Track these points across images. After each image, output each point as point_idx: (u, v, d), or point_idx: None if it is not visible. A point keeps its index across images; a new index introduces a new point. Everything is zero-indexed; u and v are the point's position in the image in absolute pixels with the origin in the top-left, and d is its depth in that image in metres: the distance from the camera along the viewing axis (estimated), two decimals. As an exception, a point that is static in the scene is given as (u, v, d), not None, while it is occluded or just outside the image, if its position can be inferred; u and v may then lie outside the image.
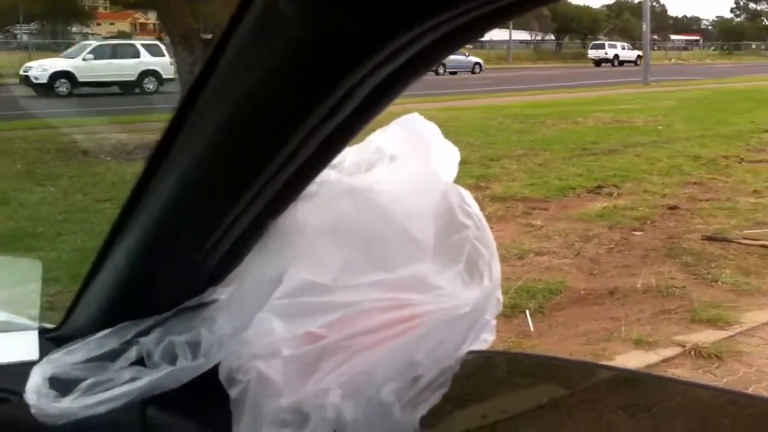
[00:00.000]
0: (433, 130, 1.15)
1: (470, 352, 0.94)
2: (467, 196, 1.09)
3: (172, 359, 1.04)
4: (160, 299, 1.08)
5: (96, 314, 1.14)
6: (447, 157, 1.13)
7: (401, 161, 1.12)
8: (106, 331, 1.08)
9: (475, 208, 1.07)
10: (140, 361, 1.06)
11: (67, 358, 1.06)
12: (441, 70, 42.59)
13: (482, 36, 0.79)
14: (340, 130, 0.87)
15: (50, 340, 1.20)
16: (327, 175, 1.04)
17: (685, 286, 5.72)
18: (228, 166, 0.91)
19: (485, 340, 0.99)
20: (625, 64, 50.68)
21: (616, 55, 49.79)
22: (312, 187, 1.00)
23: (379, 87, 0.81)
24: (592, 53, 56.76)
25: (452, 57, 45.47)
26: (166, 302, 1.08)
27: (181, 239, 1.02)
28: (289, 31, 0.75)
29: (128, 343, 1.07)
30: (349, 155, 1.12)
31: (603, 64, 52.95)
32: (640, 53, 48.05)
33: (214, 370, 1.01)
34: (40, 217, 7.23)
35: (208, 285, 1.08)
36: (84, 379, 1.02)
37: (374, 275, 1.00)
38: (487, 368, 0.99)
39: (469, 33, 0.77)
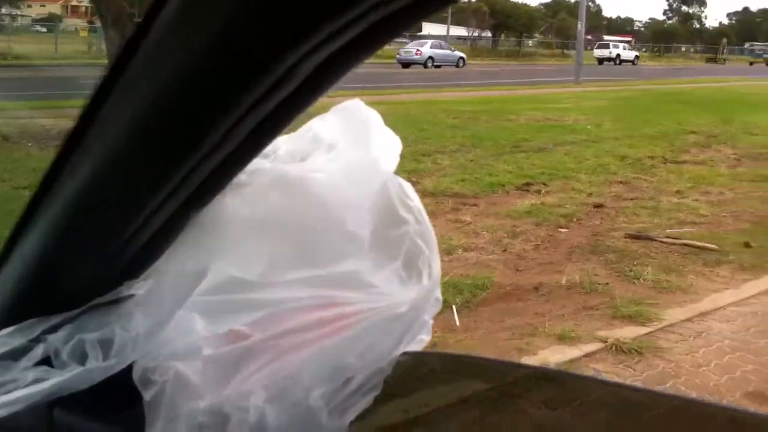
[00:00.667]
0: (374, 117, 1.10)
1: (403, 354, 0.91)
2: (408, 188, 1.04)
3: (82, 358, 0.99)
4: (72, 294, 1.02)
5: (2, 310, 1.08)
6: (388, 146, 1.08)
7: (339, 149, 1.07)
8: (11, 328, 1.02)
9: (416, 201, 1.03)
10: (47, 361, 1.01)
11: (-33, 358, 1.01)
12: (429, 64, 43.25)
13: (432, 14, 0.75)
14: (273, 116, 0.81)
15: None
16: (259, 164, 1.00)
17: (608, 283, 5.83)
18: (149, 153, 0.85)
19: (421, 340, 0.96)
20: (624, 63, 52.33)
21: (618, 55, 51.50)
22: (242, 177, 0.95)
23: (318, 70, 0.76)
24: (597, 52, 60.47)
25: (439, 51, 46.32)
26: (78, 297, 1.02)
27: (96, 229, 0.96)
28: (218, 6, 0.70)
29: (35, 341, 1.01)
30: (283, 144, 1.08)
31: (605, 63, 56.89)
32: (637, 53, 50.08)
33: (127, 371, 0.96)
34: (-44, 203, 7.00)
35: (124, 279, 1.02)
36: None
37: (305, 272, 0.96)
38: (413, 366, 0.97)
39: (414, 14, 0.73)
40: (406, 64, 43.31)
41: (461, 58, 47.84)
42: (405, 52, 45.34)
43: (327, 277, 0.95)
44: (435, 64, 43.71)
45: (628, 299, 5.44)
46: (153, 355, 0.95)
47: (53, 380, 0.97)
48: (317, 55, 0.73)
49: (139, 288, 1.02)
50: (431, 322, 0.96)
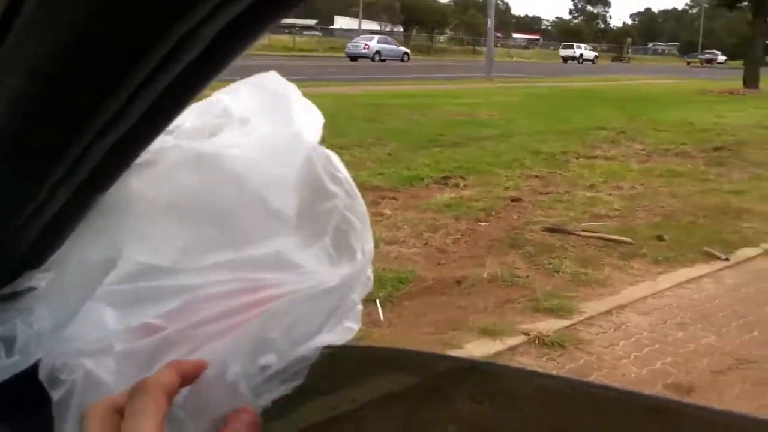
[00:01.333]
0: (292, 89, 1.02)
1: (328, 347, 0.85)
2: (335, 158, 0.94)
3: None
4: None
5: None
6: (310, 118, 0.99)
7: (255, 123, 0.97)
8: None
9: (344, 172, 0.94)
10: None
11: None
12: (376, 58, 43.83)
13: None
14: (177, 86, 0.71)
15: None
16: (164, 141, 0.90)
17: (528, 276, 5.88)
18: (38, 124, 0.73)
19: (349, 329, 0.89)
20: (585, 62, 54.85)
21: (581, 54, 54.58)
22: (147, 156, 0.86)
23: (224, 32, 0.66)
24: (563, 52, 67.39)
25: (386, 46, 47.00)
26: None
27: None
28: None
29: None
30: (188, 118, 0.97)
31: (569, 61, 60.13)
32: (596, 54, 52.82)
33: (32, 369, 0.86)
34: None
35: (23, 270, 0.91)
36: None
37: (223, 254, 0.86)
38: (339, 360, 0.91)
39: None
40: (354, 58, 43.99)
41: (406, 53, 49.61)
42: (353, 46, 46.50)
43: (249, 259, 0.87)
44: (381, 58, 44.61)
45: (548, 292, 5.50)
46: (60, 352, 0.84)
47: None
48: (215, 22, 0.64)
49: (41, 279, 0.90)
50: (360, 306, 0.89)
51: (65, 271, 0.89)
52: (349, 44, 48.03)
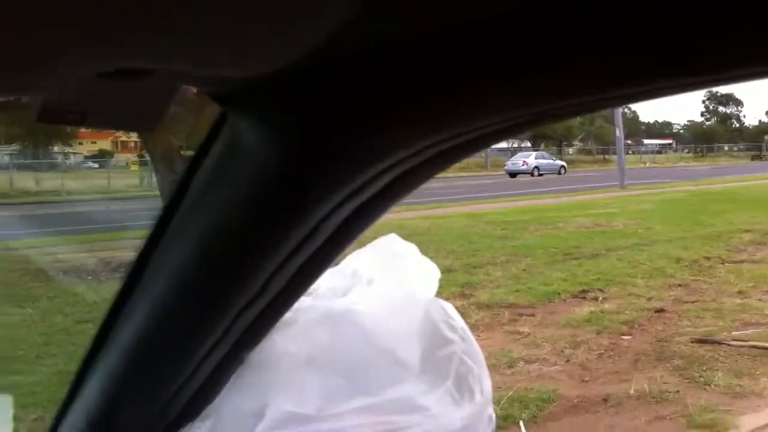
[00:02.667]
0: (410, 249, 1.13)
1: None
2: (450, 308, 1.05)
3: None
4: None
5: None
6: (426, 273, 1.10)
7: (379, 282, 1.09)
8: None
9: (459, 320, 1.03)
10: None
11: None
12: (535, 173, 46.02)
13: (454, 163, 0.79)
14: (312, 261, 0.85)
15: None
16: (302, 301, 1.01)
17: (678, 391, 5.64)
18: (198, 297, 0.88)
19: None
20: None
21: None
22: (288, 315, 0.97)
23: (349, 219, 0.80)
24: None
25: (543, 161, 48.60)
26: None
27: (154, 372, 0.98)
28: (253, 161, 0.74)
29: None
30: (324, 280, 1.08)
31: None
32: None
33: None
34: (19, 339, 7.09)
35: (184, 420, 1.03)
36: None
37: (359, 400, 0.95)
38: None
39: (440, 163, 0.76)
40: (513, 174, 45.45)
41: (562, 166, 50.76)
42: (512, 163, 47.85)
43: (381, 403, 0.95)
44: (540, 173, 45.97)
45: (701, 407, 5.25)
46: None
47: None
48: (341, 211, 0.77)
49: (199, 428, 1.02)
50: None
51: (221, 420, 0.99)
52: (508, 162, 49.40)
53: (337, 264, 1.12)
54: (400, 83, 0.65)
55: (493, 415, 0.96)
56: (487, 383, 0.97)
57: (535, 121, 0.71)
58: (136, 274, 0.91)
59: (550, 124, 0.73)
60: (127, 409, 1.02)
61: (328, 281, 1.09)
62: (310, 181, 0.73)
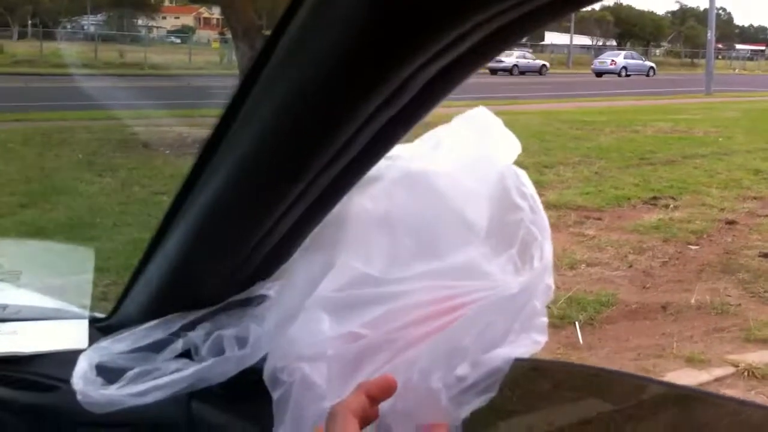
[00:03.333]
0: (496, 121, 1.13)
1: (518, 360, 0.92)
2: (524, 176, 1.05)
3: (220, 353, 1.06)
4: (209, 292, 1.10)
5: (145, 305, 1.16)
6: (508, 144, 1.10)
7: (460, 149, 1.09)
8: (154, 321, 1.10)
9: (530, 188, 1.04)
10: (186, 354, 1.08)
11: (113, 347, 1.08)
12: (623, 73, 44.97)
13: (538, 28, 0.78)
14: (395, 121, 0.86)
15: (100, 330, 1.23)
16: (384, 164, 1.03)
17: (740, 304, 5.60)
18: (277, 158, 0.91)
19: (536, 341, 0.95)
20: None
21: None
22: (369, 174, 0.99)
23: (436, 78, 0.80)
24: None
25: (632, 61, 47.30)
26: (215, 296, 1.09)
27: (229, 233, 1.02)
28: (343, 16, 0.74)
29: (175, 335, 1.09)
30: (408, 149, 1.10)
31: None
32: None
33: (258, 370, 1.02)
34: (98, 207, 7.38)
35: (257, 279, 1.09)
36: (130, 369, 1.04)
37: (424, 264, 0.98)
38: (533, 377, 0.97)
39: (528, 25, 0.76)
40: (599, 74, 44.87)
41: (651, 67, 49.33)
42: (600, 62, 47.24)
43: (446, 268, 0.97)
44: (627, 73, 45.33)
45: (761, 322, 5.20)
46: (282, 355, 0.99)
47: (192, 370, 1.04)
48: (431, 68, 0.77)
49: (271, 288, 1.09)
50: (545, 318, 0.95)
51: (291, 279, 1.06)
52: (595, 61, 48.38)
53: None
54: None
55: (552, 285, 0.98)
56: (548, 252, 0.98)
57: None
58: (218, 137, 0.94)
59: None
60: (203, 268, 1.08)
61: (411, 149, 1.10)
62: (403, 33, 0.73)
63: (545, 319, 0.94)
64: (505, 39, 0.77)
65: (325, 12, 0.76)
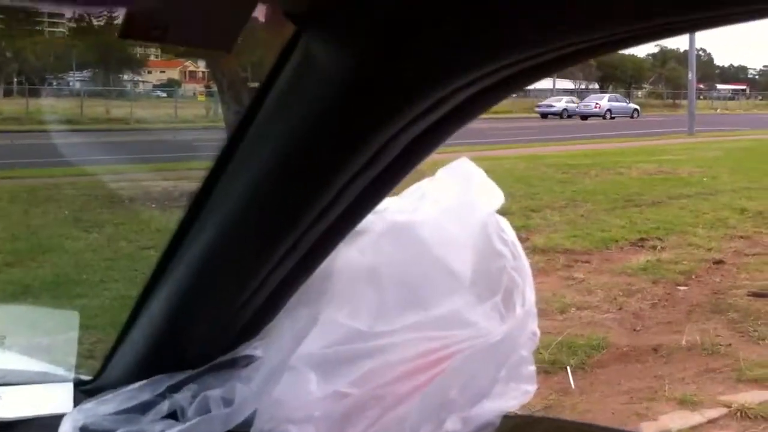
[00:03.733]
0: (478, 171, 1.14)
1: (507, 416, 0.91)
2: (504, 222, 1.07)
3: (206, 413, 1.04)
4: (195, 353, 1.09)
5: (131, 366, 1.15)
6: (489, 192, 1.12)
7: (444, 199, 1.11)
8: (140, 383, 1.08)
9: (511, 235, 1.05)
10: (173, 415, 1.07)
11: (99, 409, 1.07)
12: (607, 116, 45.19)
13: (522, 89, 0.80)
14: (380, 180, 0.88)
15: (85, 392, 1.21)
16: (369, 217, 1.04)
17: (730, 344, 5.59)
18: (265, 215, 0.92)
19: (525, 391, 0.95)
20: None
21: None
22: (355, 228, 1.00)
23: (418, 138, 0.82)
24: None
25: (616, 104, 47.79)
26: (201, 356, 1.08)
27: (218, 291, 1.02)
28: (326, 80, 0.76)
29: (161, 396, 1.08)
30: (394, 201, 1.12)
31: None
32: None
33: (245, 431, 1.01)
34: (84, 264, 7.33)
35: (244, 338, 1.08)
36: (116, 430, 1.03)
37: (411, 316, 0.98)
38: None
39: (509, 87, 0.77)
40: (584, 117, 45.03)
41: (636, 109, 49.67)
42: (584, 105, 47.63)
43: (431, 319, 0.97)
44: (612, 116, 45.48)
45: (752, 361, 5.20)
46: (269, 417, 0.98)
47: (178, 430, 1.02)
48: (414, 128, 0.79)
49: (258, 347, 1.06)
50: (533, 366, 0.95)
51: (277, 336, 1.05)
52: (581, 104, 48.71)
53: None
54: None
55: (537, 332, 0.99)
56: (531, 298, 0.99)
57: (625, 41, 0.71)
58: (206, 193, 0.95)
59: (620, 49, 0.72)
60: (190, 328, 1.08)
61: (397, 202, 1.12)
62: (384, 98, 0.75)
63: (533, 368, 0.94)
64: (487, 100, 0.79)
65: (308, 74, 0.77)
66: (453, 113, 0.79)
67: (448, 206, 1.09)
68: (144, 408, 1.07)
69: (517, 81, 0.76)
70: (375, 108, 0.76)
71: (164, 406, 1.07)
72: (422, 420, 0.88)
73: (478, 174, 1.14)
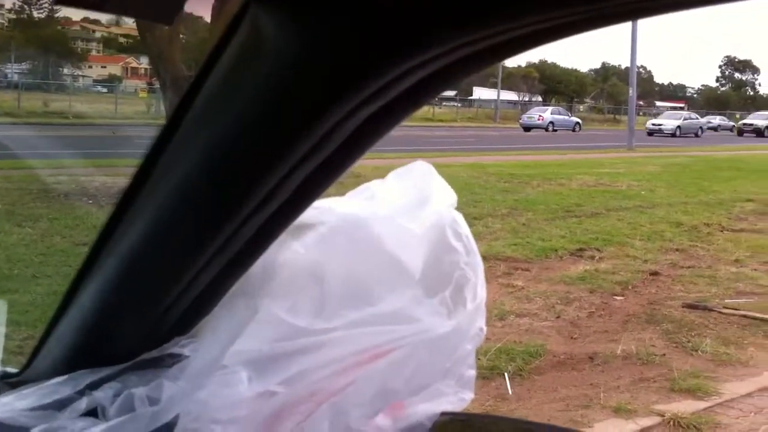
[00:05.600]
0: (433, 172, 1.12)
1: (445, 414, 0.88)
2: (459, 217, 1.05)
3: (130, 412, 0.99)
4: (123, 348, 1.03)
5: (57, 360, 1.09)
6: (445, 193, 1.10)
7: (397, 196, 1.09)
8: (60, 378, 1.03)
9: (466, 229, 1.04)
10: (93, 413, 1.01)
11: (16, 404, 1.01)
12: (550, 128, 46.27)
13: (469, 75, 0.76)
14: (325, 167, 0.82)
15: (10, 385, 1.15)
16: (319, 212, 1.01)
17: (665, 354, 5.68)
18: (196, 208, 0.87)
19: (462, 398, 0.93)
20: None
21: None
22: (302, 219, 0.95)
23: (364, 125, 0.77)
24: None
25: (558, 117, 48.68)
26: (129, 352, 1.03)
27: (146, 287, 0.97)
28: (275, 57, 0.71)
29: (80, 393, 1.02)
30: (342, 200, 1.09)
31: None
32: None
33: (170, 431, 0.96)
34: (17, 258, 7.13)
35: (174, 335, 1.02)
36: (33, 427, 0.97)
37: (354, 312, 0.95)
38: (462, 431, 0.94)
39: (458, 72, 0.74)
40: (527, 128, 45.92)
41: (577, 122, 51.01)
42: (528, 117, 48.51)
43: (375, 315, 0.95)
44: (554, 128, 46.43)
45: (686, 371, 5.29)
46: (195, 416, 0.94)
47: (100, 429, 0.97)
48: (358, 115, 0.75)
49: (185, 346, 1.02)
50: (473, 371, 0.93)
51: (210, 334, 1.00)
52: (524, 116, 49.89)
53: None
54: None
55: (484, 328, 0.97)
56: (482, 294, 0.98)
57: (573, 26, 0.68)
58: (136, 187, 0.90)
59: (577, 33, 0.69)
60: (117, 323, 1.02)
61: (344, 201, 1.08)
62: (332, 78, 0.70)
63: (473, 372, 0.92)
64: (444, 80, 0.75)
65: (254, 51, 0.72)
66: (406, 94, 0.74)
67: (401, 203, 1.07)
68: (62, 404, 1.01)
69: (476, 61, 0.73)
70: (326, 88, 0.71)
71: (82, 404, 1.01)
72: (355, 406, 0.85)
73: (432, 173, 1.12)
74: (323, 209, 1.01)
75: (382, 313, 0.95)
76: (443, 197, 1.09)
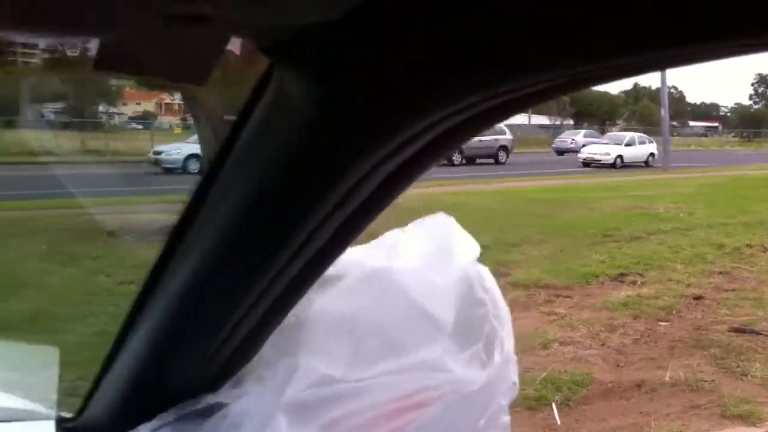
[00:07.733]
0: (455, 224, 1.14)
1: None
2: (484, 270, 1.07)
3: None
4: (173, 394, 1.05)
5: (111, 406, 1.12)
6: (468, 245, 1.12)
7: (419, 246, 1.10)
8: None
9: (492, 282, 1.05)
10: None
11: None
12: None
13: (500, 121, 0.79)
14: (353, 219, 0.85)
15: (67, 430, 1.19)
16: (346, 262, 1.02)
17: (714, 380, 5.61)
18: (238, 256, 0.90)
19: (502, 425, 0.94)
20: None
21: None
22: (330, 273, 0.97)
23: (394, 173, 0.80)
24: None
25: (591, 140, 47.64)
26: (179, 396, 1.05)
27: (194, 331, 1.00)
28: (299, 116, 0.74)
29: None
30: (366, 250, 1.10)
31: None
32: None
33: None
34: (62, 298, 7.23)
35: (219, 381, 1.05)
36: None
37: (388, 363, 0.97)
38: None
39: (484, 122, 0.77)
40: (561, 152, 45.26)
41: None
42: (560, 141, 47.81)
43: (410, 365, 0.96)
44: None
45: (736, 397, 5.21)
46: None
47: None
48: (389, 164, 0.77)
49: (230, 396, 1.03)
50: (508, 417, 0.94)
51: (251, 385, 1.01)
52: (556, 140, 49.17)
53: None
54: (464, 30, 0.65)
55: (516, 381, 0.98)
56: (509, 346, 0.99)
57: (584, 80, 0.71)
58: (180, 233, 0.93)
59: (595, 85, 0.72)
60: (167, 369, 1.04)
61: (369, 251, 1.10)
62: (355, 135, 0.73)
63: (508, 419, 0.94)
64: (466, 132, 0.78)
65: (280, 110, 0.76)
66: (430, 146, 0.77)
67: (426, 254, 1.09)
68: None
69: (496, 113, 0.75)
70: (349, 145, 0.75)
71: None
72: None
73: (453, 225, 1.14)
74: (348, 260, 1.02)
75: (417, 363, 0.97)
76: (467, 249, 1.11)
